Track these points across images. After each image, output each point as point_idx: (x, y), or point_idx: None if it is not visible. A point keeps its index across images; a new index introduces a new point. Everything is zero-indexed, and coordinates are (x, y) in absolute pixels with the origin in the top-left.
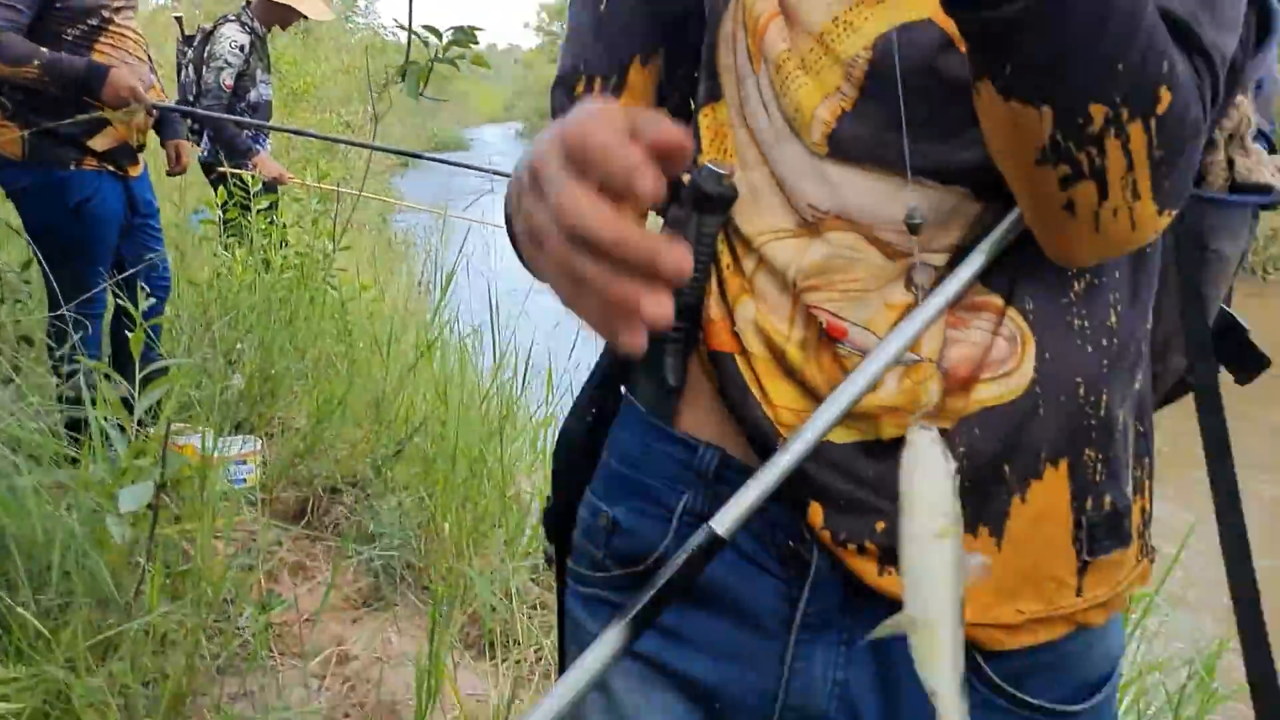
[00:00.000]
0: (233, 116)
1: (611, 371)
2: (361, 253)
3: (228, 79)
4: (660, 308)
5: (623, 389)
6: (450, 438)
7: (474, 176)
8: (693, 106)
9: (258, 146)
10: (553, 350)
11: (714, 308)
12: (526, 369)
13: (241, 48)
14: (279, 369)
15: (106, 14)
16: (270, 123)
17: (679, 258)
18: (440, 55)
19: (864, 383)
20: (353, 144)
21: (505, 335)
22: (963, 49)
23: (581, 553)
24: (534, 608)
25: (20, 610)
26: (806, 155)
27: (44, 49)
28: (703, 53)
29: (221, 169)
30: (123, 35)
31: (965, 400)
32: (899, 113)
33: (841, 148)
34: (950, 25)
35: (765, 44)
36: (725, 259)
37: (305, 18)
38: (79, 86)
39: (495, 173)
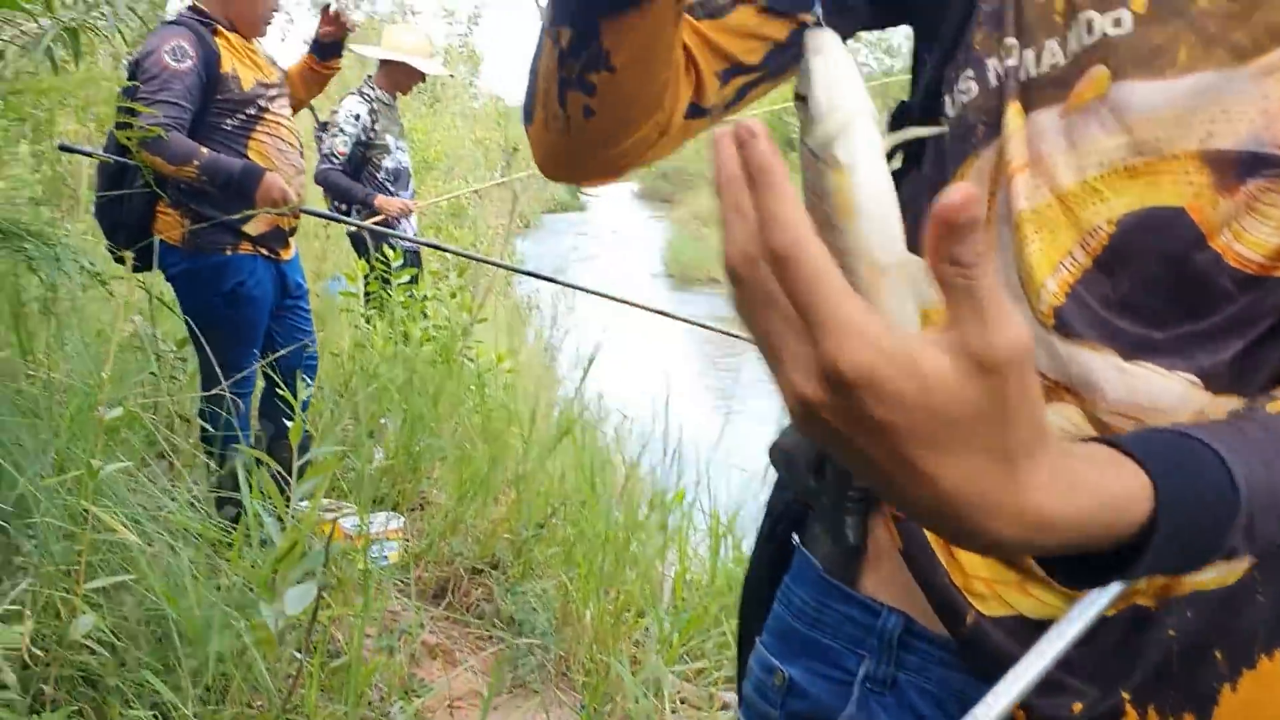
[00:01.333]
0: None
1: (782, 520)
2: (498, 324)
3: (340, 146)
4: None
5: (795, 538)
6: (592, 520)
7: (592, 239)
8: None
9: (382, 194)
10: (695, 427)
11: None
12: (678, 454)
13: (357, 116)
14: (423, 446)
15: (262, 103)
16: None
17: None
18: None
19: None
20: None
21: (645, 412)
22: (1215, 247)
23: (753, 708)
24: (681, 702)
25: (181, 706)
26: (1034, 322)
27: (204, 149)
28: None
29: (364, 226)
30: (277, 123)
31: (1175, 580)
32: (1130, 294)
33: (1065, 323)
34: (1206, 220)
35: (1011, 197)
36: None
37: (424, 77)
38: (233, 188)
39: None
